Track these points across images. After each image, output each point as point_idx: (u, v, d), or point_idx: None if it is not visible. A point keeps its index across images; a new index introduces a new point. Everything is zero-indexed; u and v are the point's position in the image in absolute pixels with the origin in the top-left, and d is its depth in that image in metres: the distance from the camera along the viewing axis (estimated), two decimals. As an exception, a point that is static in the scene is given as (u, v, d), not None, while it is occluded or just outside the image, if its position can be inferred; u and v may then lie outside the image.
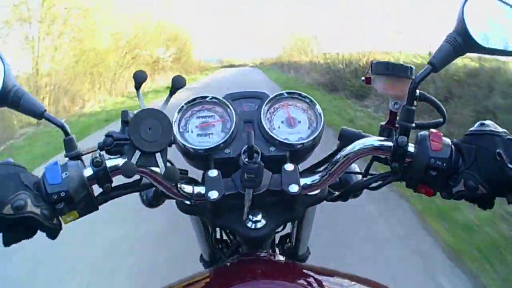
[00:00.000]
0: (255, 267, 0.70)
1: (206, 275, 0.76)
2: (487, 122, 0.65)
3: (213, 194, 0.65)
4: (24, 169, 0.62)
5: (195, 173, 0.78)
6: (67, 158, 0.66)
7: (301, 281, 0.65)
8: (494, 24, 0.67)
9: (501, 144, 0.61)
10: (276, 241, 1.09)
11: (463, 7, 0.64)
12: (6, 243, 0.60)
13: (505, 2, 0.68)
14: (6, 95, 0.62)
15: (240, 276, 0.67)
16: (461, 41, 0.64)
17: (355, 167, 0.85)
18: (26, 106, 0.64)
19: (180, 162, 0.74)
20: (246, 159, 0.66)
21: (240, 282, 0.60)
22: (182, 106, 0.79)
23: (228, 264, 0.73)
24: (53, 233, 0.62)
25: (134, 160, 0.58)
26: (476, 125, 0.66)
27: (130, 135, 0.58)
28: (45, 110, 0.65)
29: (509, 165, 0.58)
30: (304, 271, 0.70)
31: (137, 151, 0.58)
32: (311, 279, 0.67)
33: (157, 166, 0.59)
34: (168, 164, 0.60)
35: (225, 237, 1.04)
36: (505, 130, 0.64)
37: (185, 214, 0.78)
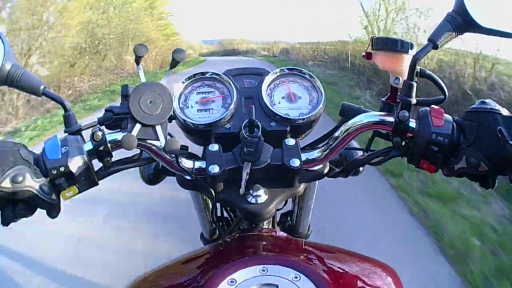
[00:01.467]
0: (256, 242, 0.70)
1: (207, 251, 0.76)
2: (488, 100, 0.65)
3: (214, 168, 0.65)
4: (24, 146, 0.61)
5: (196, 151, 0.78)
6: (66, 134, 0.65)
7: (303, 256, 0.65)
8: (493, 3, 0.66)
9: (502, 122, 0.61)
10: (277, 219, 1.10)
11: None
12: (4, 221, 0.60)
13: None
14: (5, 74, 0.62)
15: (241, 250, 0.68)
16: (460, 20, 0.65)
17: (354, 143, 0.85)
18: (26, 84, 0.63)
19: (181, 140, 0.75)
20: (247, 133, 0.66)
21: (241, 256, 0.60)
22: (182, 82, 0.79)
23: (229, 239, 0.74)
24: (52, 209, 0.62)
25: (134, 132, 0.57)
26: (477, 103, 0.66)
27: (130, 108, 0.58)
28: (45, 87, 0.65)
29: (511, 142, 0.58)
30: (306, 247, 0.70)
31: (137, 124, 0.58)
32: (312, 255, 0.67)
33: (158, 139, 0.59)
34: (168, 137, 0.60)
35: (225, 214, 1.05)
36: (505, 109, 0.64)
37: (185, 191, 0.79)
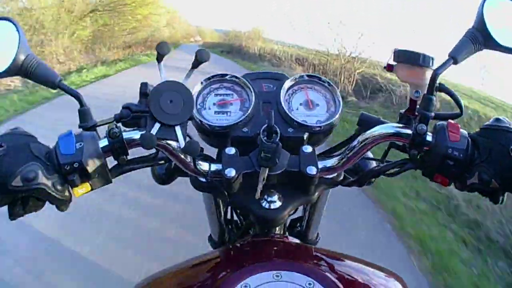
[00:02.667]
0: (269, 248, 0.70)
1: (217, 255, 0.76)
2: (502, 118, 0.66)
3: (230, 172, 0.65)
4: (34, 138, 0.61)
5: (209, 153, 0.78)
6: (81, 129, 0.65)
7: (315, 263, 0.65)
8: None
9: None
10: (287, 224, 1.10)
11: (483, 4, 0.66)
12: (12, 216, 0.59)
13: None
14: (20, 64, 0.61)
15: (254, 255, 0.68)
16: (480, 38, 0.66)
17: (370, 154, 0.85)
18: (41, 75, 0.63)
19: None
20: (265, 138, 0.66)
21: (254, 261, 0.60)
22: (201, 83, 0.79)
23: (241, 244, 0.73)
24: (62, 205, 0.61)
25: (153, 132, 0.57)
26: (491, 120, 0.67)
27: (150, 106, 0.57)
28: (60, 80, 0.64)
29: None
30: (317, 253, 0.70)
31: (156, 123, 0.57)
32: (324, 262, 0.67)
33: (177, 140, 0.58)
34: (188, 139, 0.59)
35: (235, 217, 1.05)
36: None
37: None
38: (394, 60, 0.75)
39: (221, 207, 0.95)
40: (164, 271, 0.68)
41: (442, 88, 0.70)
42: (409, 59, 0.73)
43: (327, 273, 0.57)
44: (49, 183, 0.57)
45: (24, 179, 0.54)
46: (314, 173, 0.66)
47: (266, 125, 0.67)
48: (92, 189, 0.63)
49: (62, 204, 0.61)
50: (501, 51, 0.67)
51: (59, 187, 0.58)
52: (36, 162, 0.57)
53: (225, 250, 0.81)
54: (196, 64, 0.60)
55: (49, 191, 0.57)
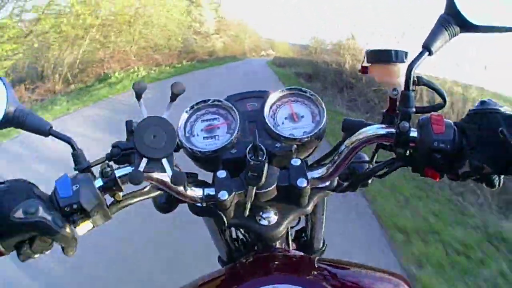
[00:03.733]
0: (269, 263, 0.71)
1: (222, 273, 0.77)
2: (488, 100, 0.65)
3: (223, 195, 0.67)
4: (36, 186, 0.63)
5: (206, 176, 0.80)
6: (76, 172, 0.67)
7: (315, 274, 0.66)
8: (485, 0, 0.65)
9: (503, 121, 0.60)
10: (292, 236, 1.11)
11: None
12: (22, 258, 0.61)
13: None
14: (11, 117, 0.63)
15: (255, 271, 0.69)
16: (453, 22, 0.64)
17: (364, 156, 0.86)
18: (32, 125, 0.65)
19: (190, 166, 0.76)
20: (252, 157, 0.68)
21: (255, 277, 0.61)
22: (186, 112, 0.80)
23: (244, 261, 0.75)
24: (69, 244, 0.63)
25: (141, 167, 0.59)
26: (476, 104, 0.66)
27: (135, 143, 0.59)
28: (51, 127, 0.66)
29: None
30: (318, 264, 0.71)
31: (143, 158, 0.60)
32: (325, 272, 0.68)
33: (164, 171, 0.60)
34: (175, 169, 0.61)
35: (240, 235, 1.06)
36: (506, 107, 0.63)
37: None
38: (368, 61, 0.75)
39: (223, 227, 0.97)
40: None
41: (421, 81, 0.70)
42: (381, 58, 0.73)
43: (327, 285, 0.58)
44: (49, 217, 0.58)
45: (25, 211, 0.56)
46: (305, 185, 0.67)
47: (251, 145, 0.68)
48: (93, 227, 0.65)
49: (66, 242, 0.62)
50: (478, 32, 0.65)
51: (60, 223, 0.60)
52: (38, 199, 0.59)
53: (229, 267, 0.82)
54: (173, 97, 0.62)
55: (50, 225, 0.58)
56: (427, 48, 0.65)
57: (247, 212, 0.69)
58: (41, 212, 0.57)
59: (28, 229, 0.58)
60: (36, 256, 0.62)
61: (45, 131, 0.66)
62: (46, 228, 0.58)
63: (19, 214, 0.56)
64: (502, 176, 0.63)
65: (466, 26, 0.64)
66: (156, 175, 0.64)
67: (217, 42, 25.78)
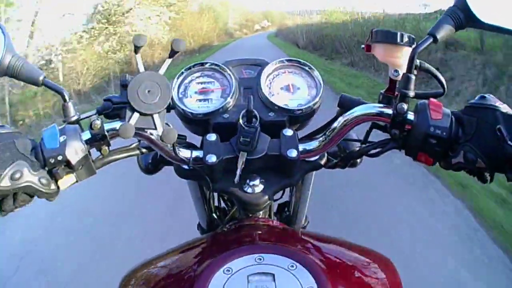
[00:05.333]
0: (253, 232, 0.71)
1: (204, 241, 0.77)
2: (488, 95, 0.65)
3: (211, 158, 0.66)
4: (20, 134, 0.62)
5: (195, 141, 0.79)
6: (65, 123, 0.66)
7: (299, 246, 0.66)
8: (495, 0, 0.66)
9: (502, 120, 0.60)
10: (275, 210, 1.11)
11: None
12: (3, 213, 0.61)
13: None
14: (6, 65, 0.62)
15: (238, 240, 0.68)
16: (462, 15, 0.65)
17: (354, 135, 0.86)
18: (26, 74, 0.64)
19: (180, 130, 0.75)
20: (245, 123, 0.67)
21: (238, 245, 0.61)
22: (182, 72, 0.79)
23: (226, 229, 0.74)
24: (51, 197, 0.63)
25: (132, 122, 0.58)
26: (476, 97, 0.66)
27: (129, 97, 0.58)
28: (45, 77, 0.65)
29: (509, 142, 0.58)
30: (302, 236, 0.71)
31: (135, 113, 0.58)
32: (309, 245, 0.68)
33: (155, 129, 0.59)
34: (166, 126, 0.60)
35: (223, 204, 1.06)
36: (506, 105, 0.64)
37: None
38: (372, 40, 0.75)
39: (207, 194, 0.96)
40: (150, 259, 0.68)
41: (422, 67, 0.70)
42: (386, 39, 0.72)
43: (310, 255, 0.58)
44: (35, 179, 0.59)
45: (11, 178, 0.56)
46: (295, 156, 0.66)
47: (245, 110, 0.67)
48: (77, 181, 0.65)
49: (49, 196, 0.63)
50: (483, 29, 0.66)
51: (44, 182, 0.60)
52: (22, 160, 0.58)
53: (211, 236, 0.81)
54: (172, 53, 0.60)
55: (36, 187, 0.59)
56: (432, 35, 0.65)
57: (238, 179, 0.68)
58: (27, 175, 0.58)
59: (14, 193, 0.58)
60: (17, 209, 0.62)
61: (38, 81, 0.65)
62: (31, 190, 0.59)
63: (5, 182, 0.56)
64: (494, 172, 0.64)
65: (473, 21, 0.65)
66: (146, 131, 0.64)
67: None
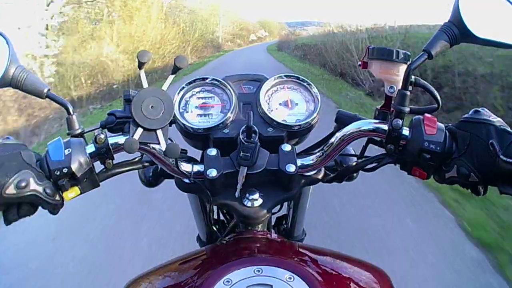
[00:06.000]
0: (251, 244, 0.72)
1: (203, 253, 0.78)
2: (481, 110, 0.66)
3: (212, 172, 0.67)
4: (25, 146, 0.63)
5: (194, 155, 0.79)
6: (69, 136, 0.67)
7: (297, 258, 0.67)
8: (488, 15, 0.67)
9: (495, 134, 0.62)
10: (273, 223, 1.12)
11: None
12: (7, 222, 0.62)
13: None
14: (10, 76, 0.63)
15: (237, 252, 0.69)
16: (456, 31, 0.66)
17: (350, 150, 0.87)
18: (30, 86, 0.65)
19: (180, 144, 0.76)
20: (244, 138, 0.68)
21: (237, 257, 0.62)
22: (183, 87, 0.81)
23: (225, 242, 0.75)
24: (55, 209, 0.64)
25: (136, 136, 0.59)
26: (470, 112, 0.67)
27: (133, 112, 0.59)
28: (49, 89, 0.66)
29: (501, 157, 0.59)
30: (300, 249, 0.72)
31: (138, 128, 0.59)
32: (306, 257, 0.69)
33: (159, 143, 0.60)
34: (169, 141, 0.61)
35: (222, 217, 1.07)
36: (500, 119, 0.65)
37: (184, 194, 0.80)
38: (368, 57, 0.76)
39: (207, 207, 0.97)
40: (150, 270, 0.69)
41: (418, 83, 0.71)
42: (382, 56, 0.73)
43: (307, 267, 0.59)
44: (40, 189, 0.60)
45: (17, 187, 0.57)
46: (293, 171, 0.68)
47: (245, 126, 0.69)
48: (81, 193, 0.67)
49: (53, 208, 0.64)
50: (477, 44, 0.67)
51: (49, 192, 0.61)
52: (28, 170, 0.59)
53: (210, 248, 0.82)
54: (175, 70, 0.62)
55: (41, 197, 0.60)
56: (427, 51, 0.67)
57: (238, 193, 0.70)
58: (32, 184, 0.59)
59: (19, 201, 0.60)
60: (21, 219, 0.63)
61: (42, 93, 0.66)
62: (36, 199, 0.60)
63: (10, 189, 0.57)
64: (488, 186, 0.65)
65: (467, 36, 0.66)
66: (149, 146, 0.65)
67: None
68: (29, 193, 0.59)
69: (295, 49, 21.88)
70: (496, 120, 0.64)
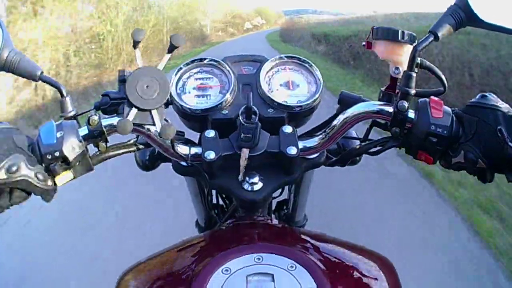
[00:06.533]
0: (251, 231, 0.70)
1: (201, 239, 0.76)
2: (489, 95, 0.65)
3: (210, 154, 0.65)
4: (18, 130, 0.61)
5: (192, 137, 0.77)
6: (62, 118, 0.65)
7: (299, 246, 0.65)
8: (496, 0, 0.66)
9: (503, 120, 0.60)
10: (273, 207, 1.10)
11: None
12: None
13: None
14: (4, 60, 0.62)
15: (237, 239, 0.68)
16: (462, 14, 0.65)
17: (354, 133, 0.85)
18: (23, 69, 0.63)
19: (178, 126, 0.74)
20: (244, 119, 0.66)
21: (236, 244, 0.60)
22: (180, 68, 0.78)
23: (224, 227, 0.74)
24: (47, 195, 0.63)
25: (130, 117, 0.57)
26: (477, 96, 0.65)
27: (127, 92, 0.57)
28: (42, 72, 0.64)
29: (510, 143, 0.58)
30: (302, 236, 0.71)
31: (133, 108, 0.57)
32: (308, 244, 0.68)
33: (154, 124, 0.58)
34: (164, 122, 0.59)
35: (221, 202, 1.05)
36: (507, 106, 0.63)
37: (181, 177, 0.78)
38: (373, 37, 0.74)
39: (205, 191, 0.96)
40: (148, 257, 0.68)
41: (423, 65, 0.69)
42: (387, 36, 0.72)
43: (309, 256, 0.57)
44: (31, 174, 0.58)
45: (7, 171, 0.56)
46: (294, 153, 0.66)
47: (244, 107, 0.67)
48: (74, 177, 0.65)
49: (46, 194, 0.62)
50: (483, 28, 0.66)
51: (41, 177, 0.60)
52: (19, 153, 0.58)
53: (209, 234, 0.81)
54: (171, 48, 0.59)
55: (32, 182, 0.58)
56: (433, 33, 0.65)
57: (242, 176, 0.68)
58: (23, 169, 0.57)
59: (10, 186, 0.58)
60: (13, 206, 0.62)
61: (36, 76, 0.64)
62: (27, 185, 0.58)
63: (1, 174, 0.56)
64: (494, 172, 0.64)
65: (473, 20, 0.65)
66: (144, 127, 0.63)
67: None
68: (20, 178, 0.57)
69: (313, 42, 15.12)
70: (504, 106, 0.63)
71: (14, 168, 0.56)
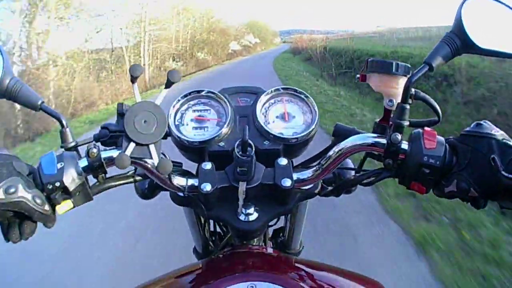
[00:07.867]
0: (246, 259, 0.71)
1: (198, 267, 0.76)
2: (483, 123, 0.65)
3: (206, 186, 0.66)
4: (18, 158, 0.62)
5: (191, 167, 0.78)
6: (63, 149, 0.67)
7: (292, 273, 0.66)
8: (491, 25, 0.67)
9: (497, 148, 0.60)
10: (270, 235, 1.11)
11: (461, 7, 0.65)
12: (7, 238, 0.62)
13: (503, 3, 0.68)
14: (4, 87, 0.63)
15: (231, 267, 0.68)
16: (458, 42, 0.65)
17: (349, 162, 0.86)
18: (24, 98, 0.65)
19: (176, 155, 0.75)
20: (240, 153, 0.67)
21: (231, 272, 0.61)
22: (178, 100, 0.80)
23: (220, 256, 0.74)
24: (48, 221, 0.64)
25: (128, 152, 0.58)
26: (472, 125, 0.66)
27: (125, 127, 0.58)
28: (43, 102, 0.66)
29: (503, 172, 0.58)
30: (295, 264, 0.71)
31: (131, 143, 0.59)
32: (302, 272, 0.68)
33: (151, 158, 0.59)
34: (162, 157, 0.60)
35: (218, 229, 1.06)
36: (502, 132, 0.63)
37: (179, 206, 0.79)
38: (367, 70, 0.75)
39: (202, 220, 0.96)
40: (147, 283, 0.68)
41: (418, 96, 0.70)
42: (381, 68, 0.72)
43: (302, 283, 0.58)
44: (29, 196, 0.59)
45: (5, 192, 0.57)
46: (289, 185, 0.67)
47: (240, 140, 0.68)
48: (74, 206, 0.66)
49: (46, 220, 0.63)
50: (479, 54, 0.66)
51: (39, 201, 0.60)
52: (17, 176, 0.59)
53: (205, 262, 0.81)
54: (168, 84, 0.61)
55: (29, 204, 0.59)
56: (428, 63, 0.65)
57: (241, 208, 0.69)
58: (21, 191, 0.58)
59: (8, 208, 0.58)
60: (24, 239, 0.63)
61: (36, 105, 0.65)
62: (25, 207, 0.59)
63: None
64: (487, 200, 0.64)
65: (470, 47, 0.65)
66: (142, 160, 0.64)
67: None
68: (17, 199, 0.58)
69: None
70: (499, 133, 0.63)
71: (12, 190, 0.57)
